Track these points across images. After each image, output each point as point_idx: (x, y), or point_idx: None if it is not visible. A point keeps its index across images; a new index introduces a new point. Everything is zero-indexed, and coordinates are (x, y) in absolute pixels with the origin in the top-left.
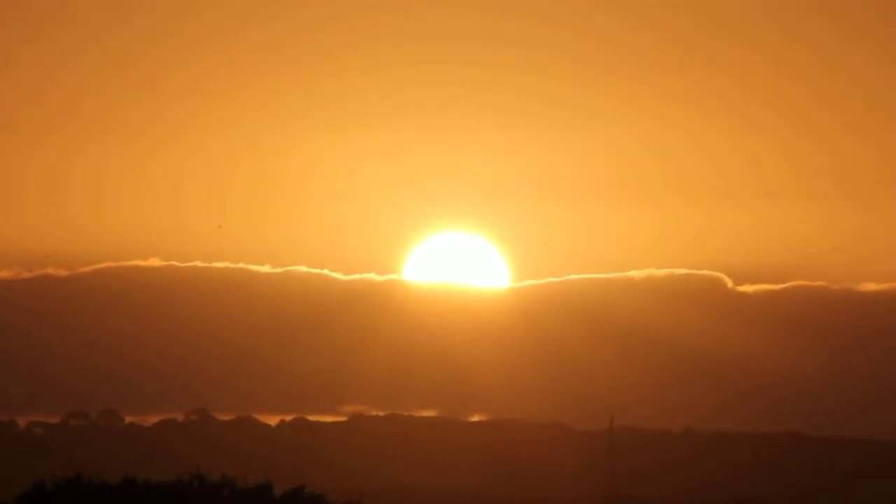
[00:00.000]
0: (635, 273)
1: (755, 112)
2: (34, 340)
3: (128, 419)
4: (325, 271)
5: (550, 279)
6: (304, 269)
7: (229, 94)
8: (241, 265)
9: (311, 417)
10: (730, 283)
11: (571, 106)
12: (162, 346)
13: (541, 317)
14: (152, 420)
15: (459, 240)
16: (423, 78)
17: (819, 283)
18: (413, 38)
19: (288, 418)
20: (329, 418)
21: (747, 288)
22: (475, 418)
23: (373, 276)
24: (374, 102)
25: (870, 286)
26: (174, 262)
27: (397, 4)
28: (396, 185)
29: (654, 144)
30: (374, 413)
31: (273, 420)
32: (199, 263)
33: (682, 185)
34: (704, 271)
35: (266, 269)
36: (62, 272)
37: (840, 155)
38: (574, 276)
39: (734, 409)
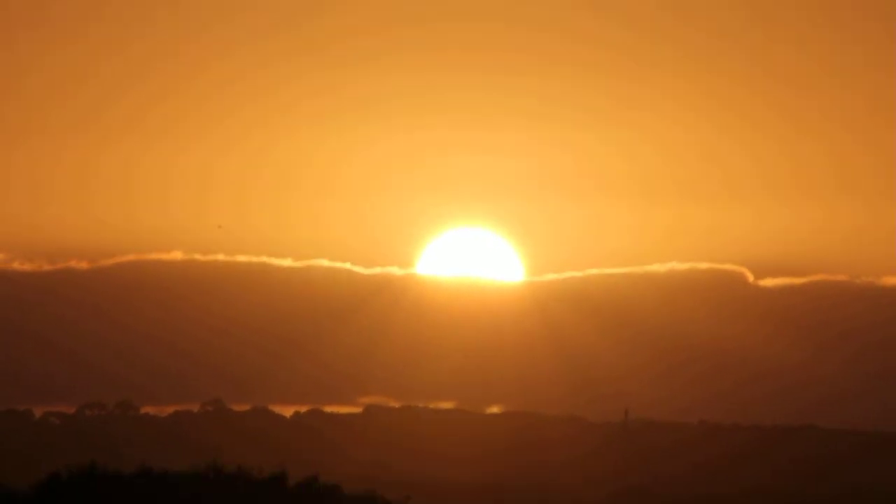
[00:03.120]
0: (657, 267)
1: (783, 109)
2: (54, 332)
3: (143, 409)
4: (347, 265)
5: (571, 273)
6: (325, 262)
7: (255, 93)
8: (263, 259)
9: (327, 409)
10: (751, 278)
11: (593, 106)
12: (180, 338)
13: (560, 311)
14: (168, 410)
15: (476, 235)
16: (443, 81)
17: (841, 277)
18: (433, 43)
19: (303, 409)
20: (345, 409)
21: (769, 282)
22: (492, 410)
23: (394, 270)
24: (396, 104)
25: (892, 280)
26: (196, 256)
27: (414, 13)
28: (416, 181)
29: (677, 142)
30: (389, 405)
31: (288, 411)
32: (221, 257)
33: (705, 181)
34: (727, 265)
35: (288, 262)
36: (84, 265)
37: (864, 151)
38: (595, 271)
39: (751, 403)
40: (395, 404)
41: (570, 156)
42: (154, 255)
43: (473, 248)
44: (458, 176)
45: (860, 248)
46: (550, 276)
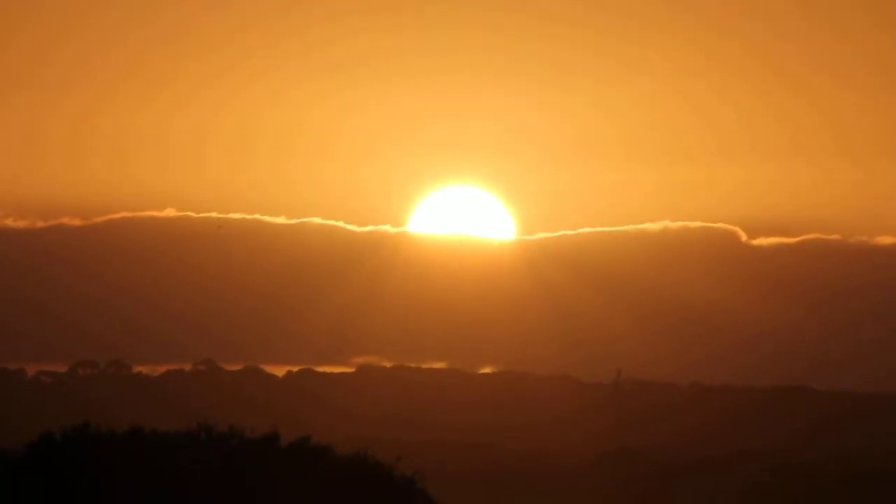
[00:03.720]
0: (650, 226)
1: (777, 68)
2: (46, 290)
3: (136, 369)
4: (340, 223)
5: (564, 232)
6: (318, 220)
7: (250, 52)
8: (256, 216)
9: (319, 368)
10: (744, 237)
11: (585, 67)
12: (173, 296)
13: (552, 270)
14: (160, 370)
15: (468, 194)
16: (436, 42)
17: (834, 236)
18: (426, 5)
19: (295, 369)
20: (337, 369)
21: (762, 241)
22: (484, 370)
23: (387, 228)
24: (391, 64)
25: (886, 239)
26: (189, 213)
27: None
28: (410, 141)
29: (670, 101)
30: (382, 364)
31: (280, 371)
32: (214, 214)
33: (698, 140)
34: (719, 224)
35: (281, 220)
36: (77, 222)
37: (859, 111)
38: (587, 230)
39: (743, 363)
40: (388, 364)
41: (563, 115)
42: (147, 213)
43: (465, 207)
44: (451, 135)
45: (854, 207)
46: (542, 235)
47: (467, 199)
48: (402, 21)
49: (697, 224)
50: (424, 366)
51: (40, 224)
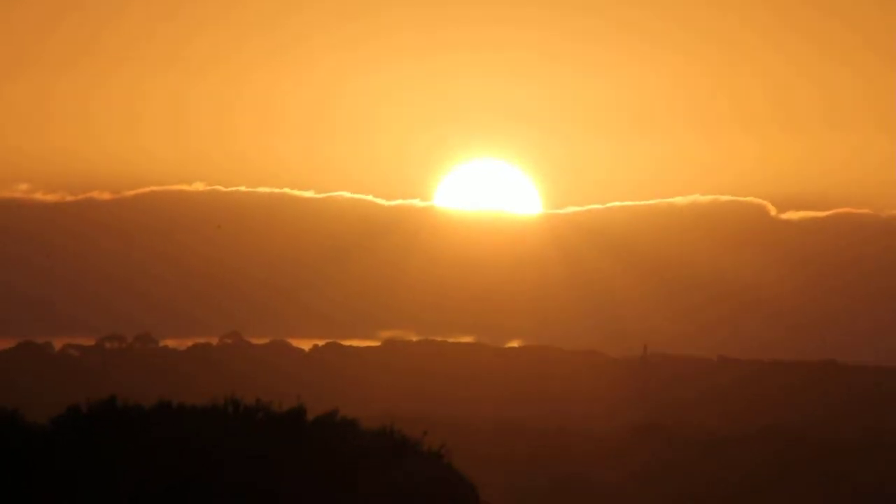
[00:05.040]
0: (679, 200)
1: (811, 40)
2: (75, 264)
3: (163, 343)
4: (369, 197)
5: (594, 206)
6: (347, 194)
7: (277, 24)
8: (285, 190)
9: (346, 342)
10: (773, 211)
11: (615, 38)
12: (201, 270)
13: (581, 244)
14: (187, 343)
15: (495, 167)
16: (463, 12)
17: (865, 210)
18: None
19: (321, 343)
20: (364, 343)
21: (791, 215)
22: (511, 344)
23: (416, 203)
24: (417, 36)
25: None
26: (218, 187)
27: None
28: (437, 112)
29: (700, 73)
30: (409, 338)
31: (307, 345)
32: (242, 188)
33: (726, 114)
34: (749, 198)
35: (310, 194)
36: (106, 196)
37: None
38: (618, 203)
39: (772, 338)
40: (415, 338)
41: (593, 87)
42: (176, 186)
43: (493, 180)
44: (480, 108)
45: (886, 181)
46: (572, 209)
47: (495, 173)
48: None
49: (727, 198)
50: (451, 340)
51: (69, 198)
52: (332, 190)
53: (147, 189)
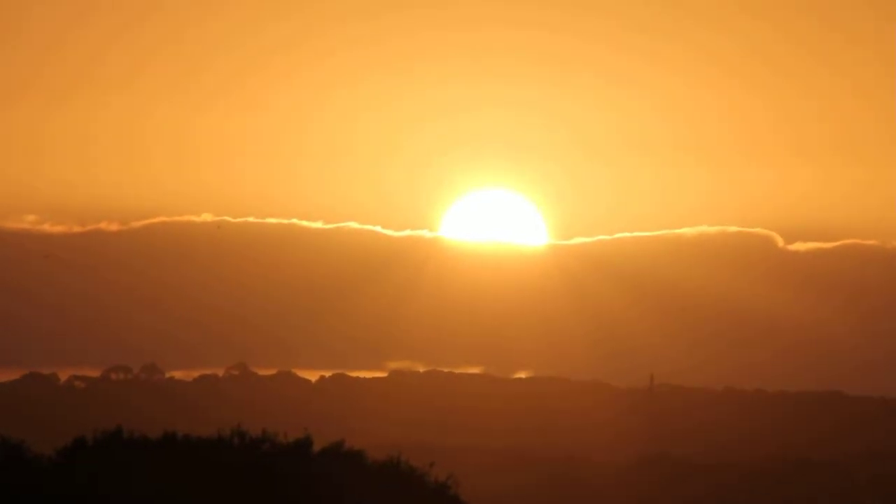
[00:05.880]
0: (687, 230)
1: (819, 69)
2: (82, 294)
3: (169, 374)
4: (378, 228)
5: (601, 236)
6: (355, 225)
7: (286, 55)
8: (293, 221)
9: (353, 373)
10: (781, 242)
11: (623, 66)
12: (208, 301)
13: (588, 275)
14: (193, 375)
15: (502, 198)
16: (470, 44)
17: (872, 241)
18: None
19: (328, 374)
20: (371, 374)
21: (798, 246)
22: (518, 376)
23: (423, 233)
24: (424, 68)
25: None
26: (226, 218)
27: None
28: (446, 144)
29: (708, 104)
30: (416, 369)
31: (313, 376)
32: (251, 219)
33: (735, 144)
34: (756, 229)
35: (318, 225)
36: (115, 227)
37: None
38: (626, 234)
39: (779, 370)
40: (422, 369)
41: (600, 118)
42: (185, 217)
43: (499, 211)
44: (486, 138)
45: (892, 213)
46: (579, 240)
47: (502, 204)
48: (436, 20)
49: (734, 229)
50: (458, 370)
51: (77, 229)
52: (341, 221)
53: (156, 220)
